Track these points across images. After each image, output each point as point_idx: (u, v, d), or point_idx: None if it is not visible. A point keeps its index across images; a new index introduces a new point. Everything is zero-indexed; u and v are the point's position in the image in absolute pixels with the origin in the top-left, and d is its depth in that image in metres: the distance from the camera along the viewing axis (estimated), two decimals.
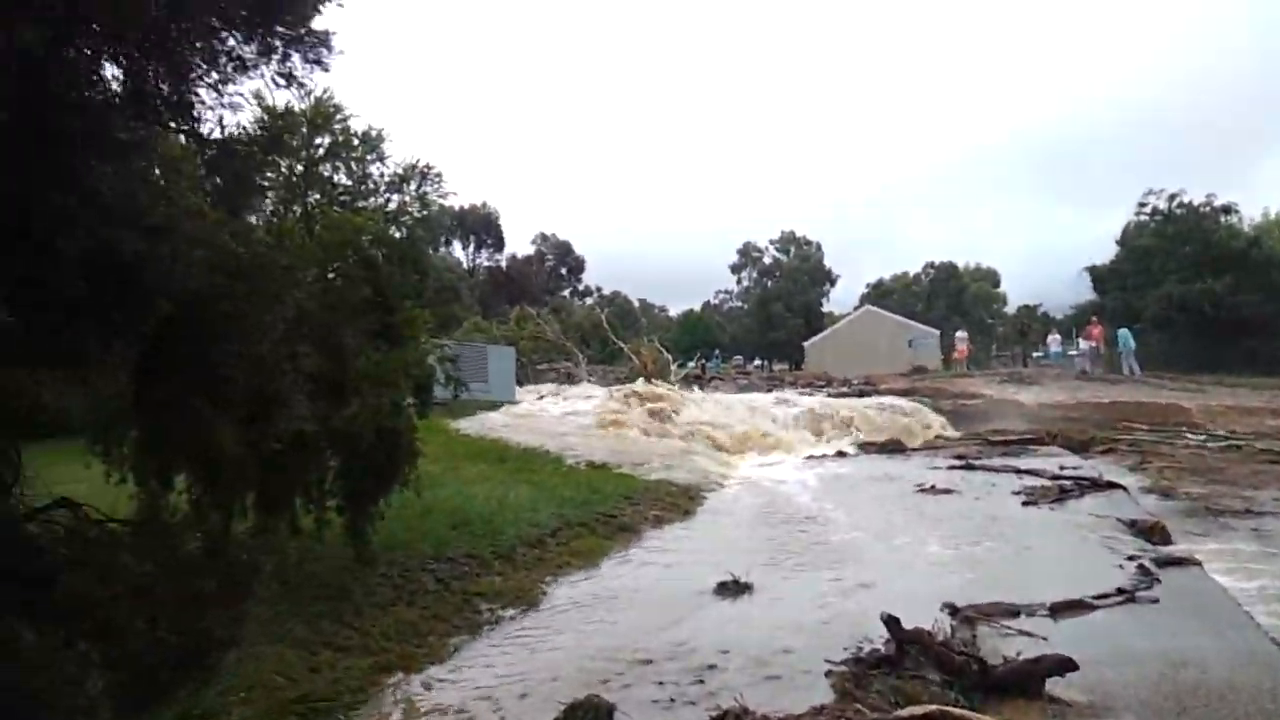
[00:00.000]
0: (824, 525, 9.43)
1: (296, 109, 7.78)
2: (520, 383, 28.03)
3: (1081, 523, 8.66)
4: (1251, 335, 34.67)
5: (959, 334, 42.57)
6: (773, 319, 71.30)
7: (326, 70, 4.24)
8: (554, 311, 43.55)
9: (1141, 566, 6.55)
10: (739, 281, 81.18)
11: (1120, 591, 6.01)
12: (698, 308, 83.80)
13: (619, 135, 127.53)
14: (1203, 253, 38.54)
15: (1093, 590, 6.05)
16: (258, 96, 7.60)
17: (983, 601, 5.93)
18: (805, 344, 53.38)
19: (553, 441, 15.14)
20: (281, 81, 4.19)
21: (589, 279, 79.15)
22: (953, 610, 5.74)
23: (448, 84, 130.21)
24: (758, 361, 70.28)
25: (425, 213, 7.99)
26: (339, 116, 7.86)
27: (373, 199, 8.15)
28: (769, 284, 77.56)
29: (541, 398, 23.58)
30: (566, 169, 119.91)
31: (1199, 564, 6.76)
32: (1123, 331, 31.46)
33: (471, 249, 72.10)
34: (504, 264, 71.07)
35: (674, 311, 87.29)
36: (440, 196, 8.16)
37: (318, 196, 7.67)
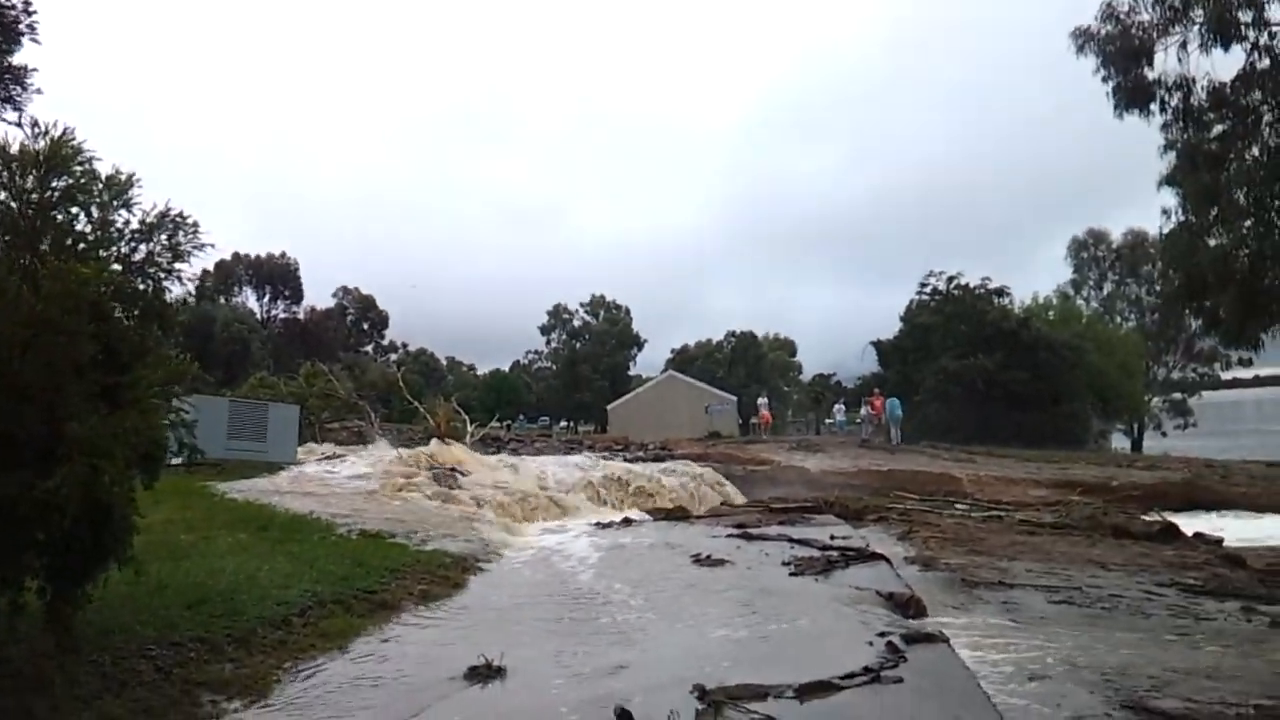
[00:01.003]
0: (595, 600, 9.21)
1: (30, 148, 7.20)
2: (312, 440, 26.87)
3: (842, 595, 8.75)
4: (1020, 409, 37.16)
5: (761, 400, 43.97)
6: (579, 381, 71.73)
7: (18, 109, 3.78)
8: (347, 368, 42.15)
9: (891, 644, 6.60)
10: (549, 343, 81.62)
11: (867, 671, 6.01)
12: (506, 367, 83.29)
13: (430, 191, 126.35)
14: (977, 331, 41.17)
15: (842, 669, 6.03)
16: None
17: (734, 683, 5.82)
18: (609, 407, 53.66)
19: (328, 507, 14.40)
20: None
21: (394, 335, 77.60)
22: (701, 693, 5.60)
23: (250, 128, 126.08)
24: (564, 423, 70.30)
25: (176, 264, 7.32)
26: (79, 158, 7.22)
27: (115, 248, 7.43)
28: (578, 346, 78.12)
29: (327, 458, 22.56)
30: (371, 223, 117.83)
31: (946, 640, 6.88)
32: (891, 400, 33.27)
33: (267, 299, 69.28)
34: (301, 316, 68.49)
35: (483, 370, 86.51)
36: (195, 247, 7.49)
37: (48, 245, 6.99)
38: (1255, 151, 11.04)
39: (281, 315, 69.30)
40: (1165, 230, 11.91)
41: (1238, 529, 18.36)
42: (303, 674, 6.76)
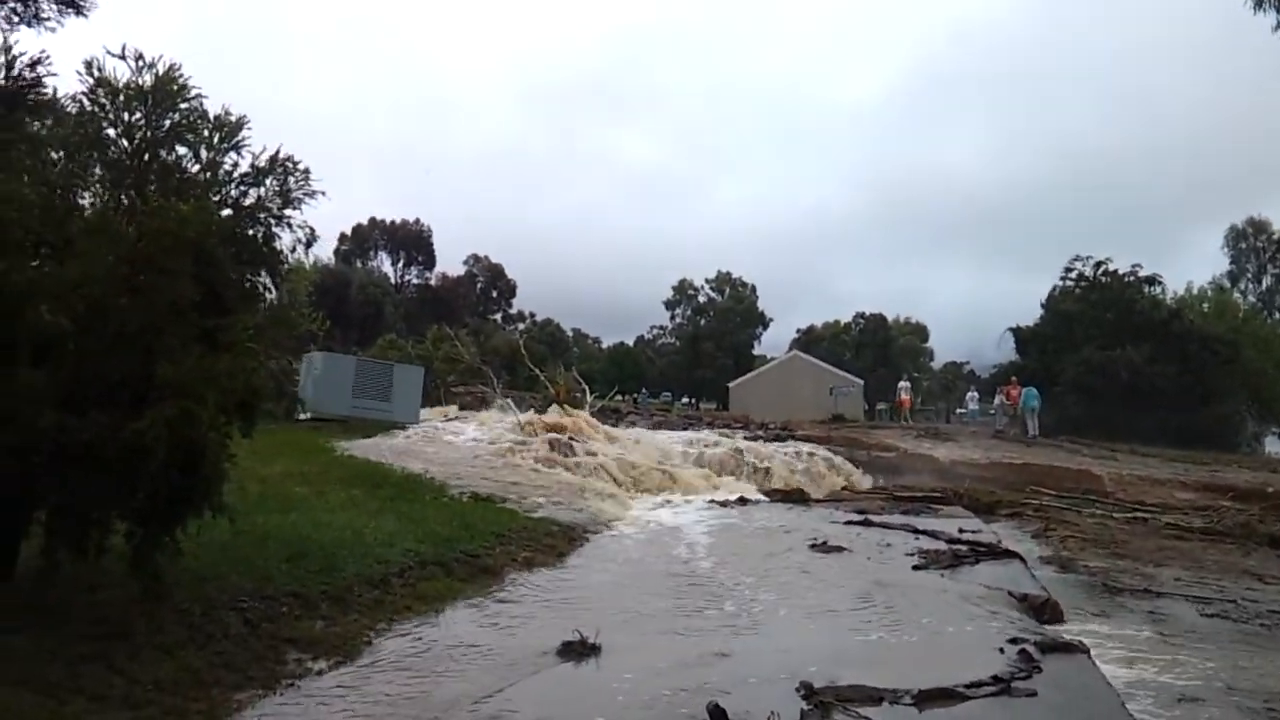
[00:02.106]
0: (702, 582, 8.74)
1: (136, 82, 7.07)
2: (436, 402, 27.16)
3: (970, 594, 8.07)
4: (1166, 406, 34.92)
5: (902, 384, 42.59)
6: (702, 357, 71.18)
7: (82, 14, 3.50)
8: (473, 334, 42.55)
9: (1024, 651, 5.94)
10: (673, 318, 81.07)
11: (996, 680, 5.39)
12: (630, 341, 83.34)
13: (562, 162, 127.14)
14: (1124, 321, 38.88)
15: (968, 676, 5.43)
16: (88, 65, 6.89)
17: (845, 682, 5.28)
18: (730, 385, 52.98)
19: (443, 469, 14.33)
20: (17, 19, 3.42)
21: (522, 305, 78.23)
22: (808, 692, 5.08)
23: (385, 95, 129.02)
24: (685, 399, 69.96)
25: (286, 211, 7.11)
26: (187, 94, 7.07)
27: (223, 191, 7.27)
28: (702, 322, 77.48)
29: (449, 420, 22.68)
30: (503, 193, 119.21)
31: (1086, 652, 6.18)
32: (1029, 389, 31.65)
33: (401, 265, 70.77)
34: (433, 282, 69.72)
35: (607, 343, 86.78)
36: (306, 193, 7.28)
37: (154, 184, 6.86)
38: None
39: (414, 281, 70.73)
40: None
41: None
42: (395, 636, 6.52)
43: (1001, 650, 6.04)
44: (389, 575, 7.74)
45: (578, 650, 6.01)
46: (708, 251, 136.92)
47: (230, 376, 5.85)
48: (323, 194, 7.54)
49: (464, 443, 17.73)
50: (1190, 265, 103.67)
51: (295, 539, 8.18)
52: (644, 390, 64.46)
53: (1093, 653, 6.25)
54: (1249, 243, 54.92)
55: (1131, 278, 41.44)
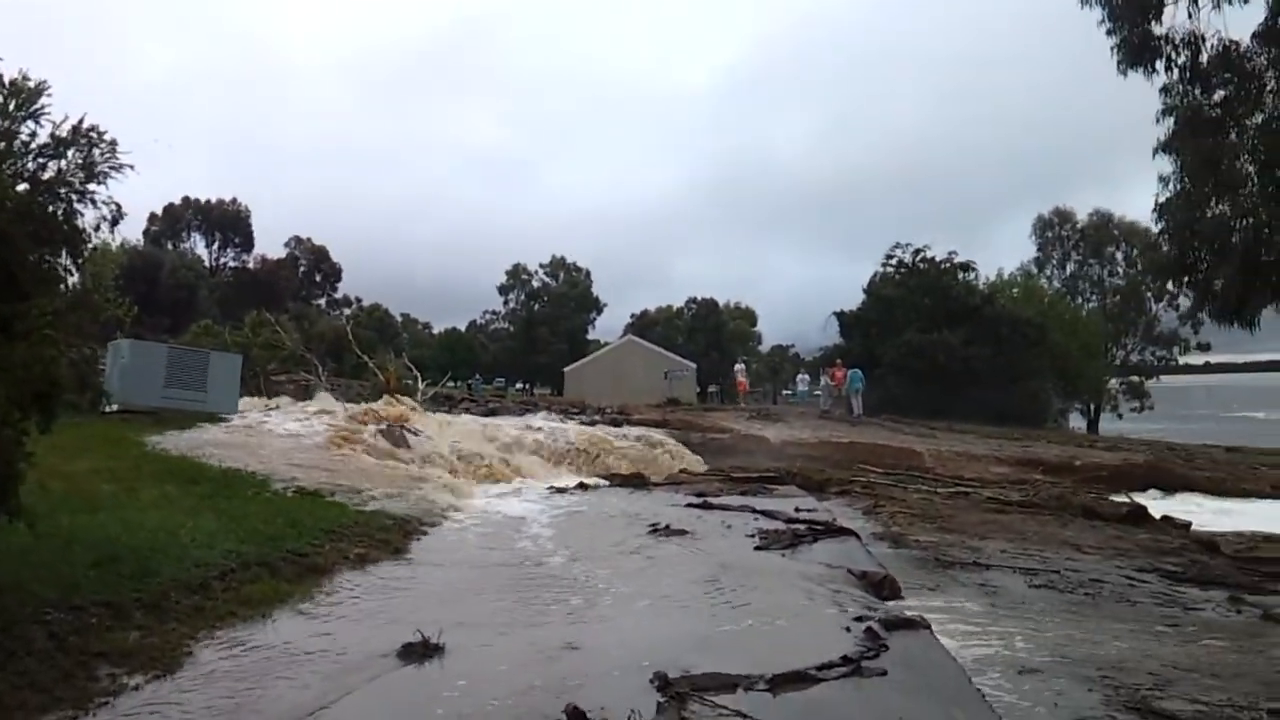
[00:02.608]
0: (546, 572, 8.54)
1: None
2: (256, 392, 25.91)
3: (812, 573, 8.16)
4: (981, 386, 36.88)
5: (738, 366, 43.36)
6: (537, 343, 70.91)
7: None
8: (294, 319, 40.91)
9: (870, 630, 6.01)
10: (506, 303, 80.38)
11: (846, 660, 5.41)
12: (463, 327, 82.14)
13: (394, 143, 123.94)
14: (941, 306, 40.78)
15: (818, 657, 5.45)
16: None
17: (699, 670, 5.20)
18: (566, 370, 52.86)
19: (265, 462, 13.60)
20: None
21: (349, 289, 75.84)
22: (663, 683, 4.96)
23: (209, 71, 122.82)
24: (520, 385, 69.46)
25: (90, 186, 6.49)
26: None
27: (19, 163, 6.59)
28: (536, 307, 77.13)
29: (271, 410, 21.64)
30: (330, 173, 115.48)
31: (928, 627, 6.30)
32: (854, 371, 32.91)
33: (216, 247, 67.43)
34: (252, 265, 66.71)
35: (439, 329, 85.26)
36: (112, 166, 6.65)
37: None
38: (1259, 119, 10.52)
39: (231, 264, 67.50)
40: (1161, 199, 11.36)
41: (1202, 512, 18.04)
42: (219, 645, 6.05)
43: (848, 629, 6.10)
44: (209, 579, 7.19)
45: (419, 651, 5.71)
46: (543, 236, 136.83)
47: (26, 367, 5.29)
48: (130, 168, 6.95)
49: (288, 434, 16.88)
50: (1001, 253, 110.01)
51: (104, 542, 7.52)
52: (478, 376, 63.64)
53: (934, 628, 6.38)
54: (1054, 231, 58.48)
55: (947, 264, 43.55)
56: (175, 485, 11.06)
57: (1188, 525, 14.75)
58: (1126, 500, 16.18)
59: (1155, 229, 12.76)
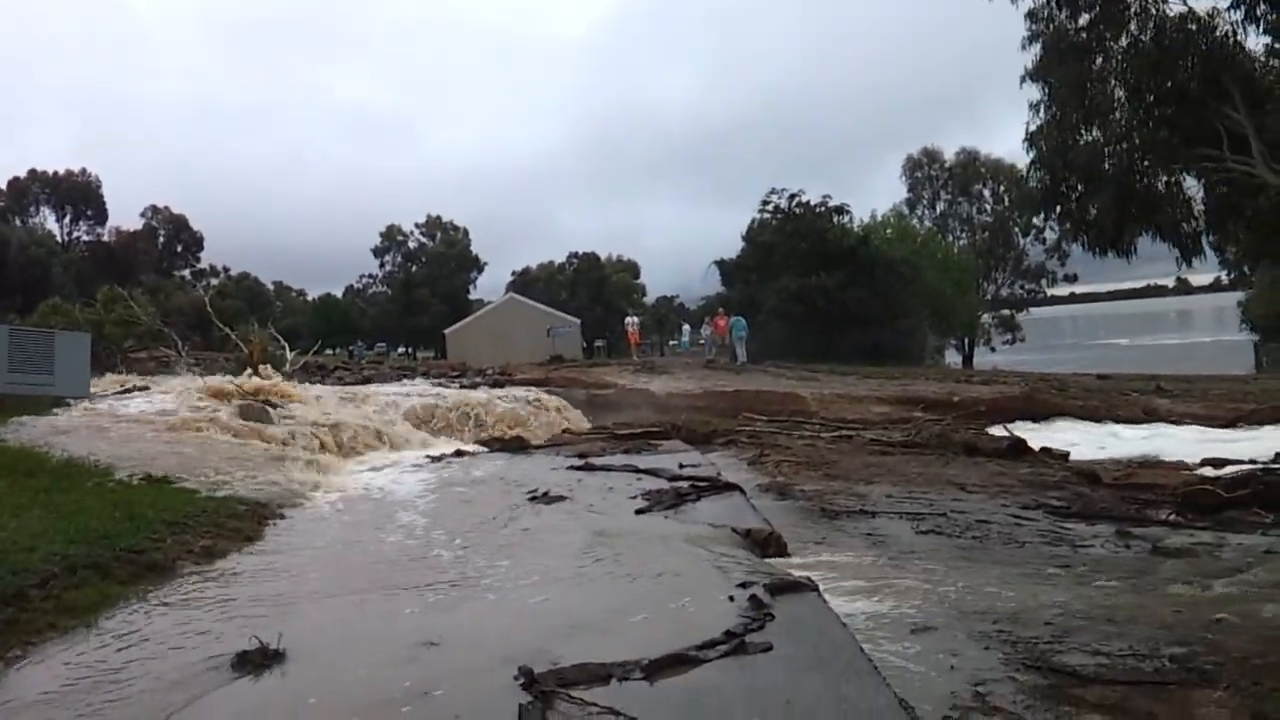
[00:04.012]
0: (411, 553, 7.91)
1: None
2: (112, 371, 24.47)
3: (695, 535, 7.75)
4: (859, 327, 37.38)
5: (629, 320, 43.05)
6: (416, 305, 69.46)
7: None
8: (150, 292, 38.86)
9: (754, 597, 5.58)
10: (382, 265, 78.47)
11: (729, 635, 4.98)
12: (339, 292, 79.93)
13: (258, 105, 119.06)
14: (817, 249, 41.07)
15: (699, 633, 5.01)
16: None
17: (570, 661, 4.69)
18: (446, 332, 51.71)
19: (115, 447, 12.59)
20: None
21: (215, 259, 72.78)
22: (528, 680, 4.42)
23: (61, 34, 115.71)
24: (402, 349, 68.05)
25: None
26: None
27: None
28: (414, 269, 75.46)
29: (125, 391, 20.30)
30: (191, 139, 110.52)
31: (816, 589, 5.92)
32: (736, 319, 32.96)
33: (68, 221, 63.70)
34: (106, 238, 63.28)
35: (314, 295, 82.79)
36: None
37: None
38: (1124, 42, 10.39)
39: (85, 238, 63.90)
40: (1031, 128, 11.22)
41: (1080, 443, 18.39)
42: (30, 665, 5.29)
43: (731, 598, 5.66)
44: (26, 588, 6.34)
45: (256, 660, 5.04)
46: (419, 195, 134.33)
47: None
48: None
49: (140, 416, 15.75)
50: (875, 195, 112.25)
51: None
52: (360, 343, 62.01)
53: (821, 588, 6.01)
54: (924, 172, 59.69)
55: (823, 208, 43.91)
56: (7, 480, 10.04)
57: (1066, 455, 14.95)
58: (1006, 434, 16.30)
59: (1026, 158, 12.72)
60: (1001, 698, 4.49)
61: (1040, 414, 22.48)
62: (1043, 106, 10.99)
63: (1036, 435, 17.84)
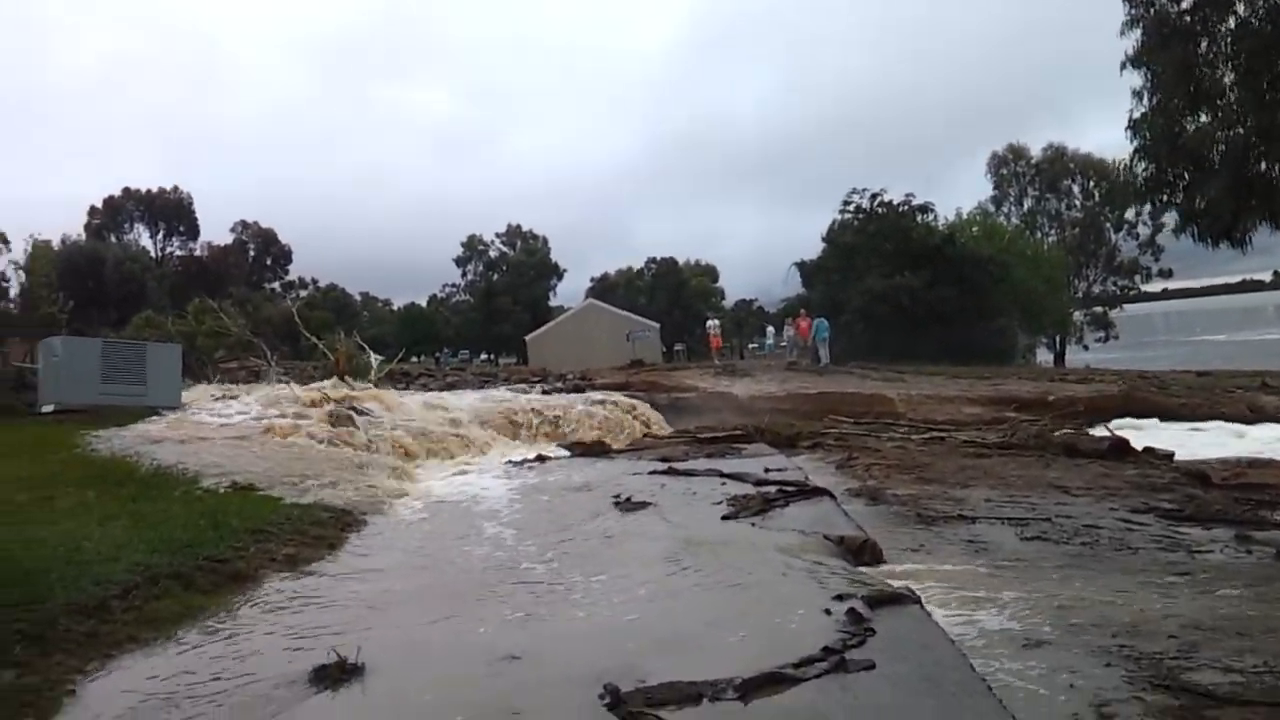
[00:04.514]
0: (492, 562, 7.74)
1: None
2: (205, 381, 25.01)
3: (785, 543, 7.43)
4: (946, 326, 36.53)
5: (711, 323, 42.77)
6: (497, 313, 70.03)
7: None
8: (239, 304, 39.70)
9: (853, 610, 5.27)
10: (464, 275, 79.46)
11: (828, 653, 4.68)
12: (423, 302, 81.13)
13: (345, 120, 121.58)
14: (901, 249, 40.27)
15: (795, 650, 4.72)
16: None
17: (658, 678, 4.44)
18: (528, 339, 51.96)
19: (203, 456, 12.74)
20: None
21: (304, 271, 74.43)
22: (614, 700, 4.19)
23: (153, 59, 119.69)
24: (484, 356, 68.75)
25: None
26: None
27: None
28: (495, 278, 76.23)
29: (217, 400, 20.66)
30: (281, 155, 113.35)
31: (918, 600, 5.58)
32: (819, 321, 32.39)
33: (161, 237, 65.59)
34: (199, 253, 65.00)
35: (399, 305, 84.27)
36: None
37: None
38: (1231, 23, 9.77)
39: (178, 253, 65.74)
40: (1135, 115, 10.61)
41: (1179, 438, 17.60)
42: (108, 678, 5.21)
43: (828, 611, 5.36)
44: (108, 598, 6.30)
45: (333, 675, 4.90)
46: (499, 205, 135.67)
47: None
48: None
49: (229, 424, 16.01)
50: (959, 193, 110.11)
51: None
52: (445, 350, 62.75)
53: (923, 600, 5.67)
54: (1010, 168, 58.25)
55: (905, 207, 43.06)
56: (98, 490, 10.19)
57: (1170, 455, 14.25)
58: (1107, 434, 15.61)
59: (1129, 147, 12.05)
60: (1128, 719, 4.13)
61: (1139, 412, 21.61)
62: (1145, 93, 10.40)
63: (1138, 436, 17.08)
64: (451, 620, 6.01)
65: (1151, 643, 5.04)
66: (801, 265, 46.76)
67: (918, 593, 5.80)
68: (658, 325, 51.31)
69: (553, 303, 76.18)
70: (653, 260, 77.82)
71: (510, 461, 14.67)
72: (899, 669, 4.50)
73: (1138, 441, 15.31)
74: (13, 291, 39.36)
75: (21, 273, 41.15)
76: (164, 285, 55.34)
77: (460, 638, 5.61)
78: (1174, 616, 5.53)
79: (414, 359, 48.93)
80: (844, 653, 4.67)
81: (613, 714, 4.08)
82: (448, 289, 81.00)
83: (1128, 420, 20.51)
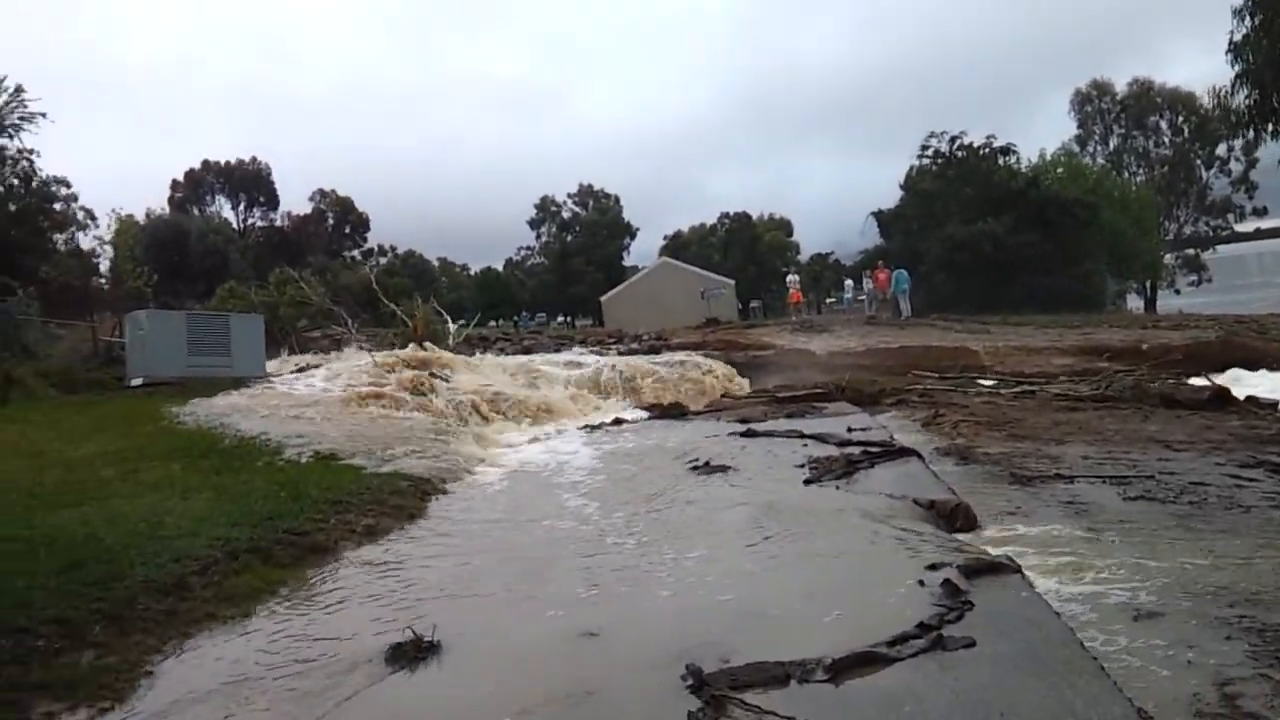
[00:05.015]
0: (568, 532, 7.57)
1: None
2: (288, 351, 25.38)
3: (872, 508, 7.14)
4: (1032, 273, 35.34)
5: (791, 278, 42.11)
6: (572, 274, 69.97)
7: None
8: (318, 273, 40.16)
9: (948, 581, 4.98)
10: (539, 237, 79.36)
11: (924, 629, 4.41)
12: (499, 265, 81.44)
13: (417, 85, 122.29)
14: (983, 194, 39.03)
15: (888, 625, 4.47)
16: None
17: (742, 658, 4.22)
18: (602, 299, 51.81)
19: (286, 426, 12.85)
20: None
21: (382, 238, 75.02)
22: (697, 681, 3.98)
23: (227, 31, 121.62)
24: (561, 318, 68.88)
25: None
26: None
27: None
28: (568, 239, 76.08)
29: (300, 370, 20.90)
30: (355, 122, 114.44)
31: (1018, 569, 5.27)
32: (898, 272, 31.59)
33: (242, 208, 66.71)
34: (279, 223, 65.98)
35: (476, 269, 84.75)
36: (22, 117, 5.73)
37: None
38: None
39: (259, 224, 66.83)
40: (1235, 37, 9.88)
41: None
42: (185, 658, 5.17)
43: (922, 583, 5.08)
44: (187, 575, 6.28)
45: (410, 653, 4.78)
46: (571, 166, 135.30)
47: None
48: (42, 115, 5.99)
49: (311, 393, 16.11)
50: (1041, 133, 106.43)
51: (78, 541, 6.72)
52: (524, 313, 62.98)
53: (1023, 569, 5.35)
54: (1094, 106, 55.90)
55: (986, 150, 41.65)
56: (182, 462, 10.30)
57: (1275, 405, 13.54)
58: (1207, 383, 14.89)
59: (1230, 72, 11.23)
60: (1256, 700, 3.80)
61: (1240, 360, 20.62)
62: (1248, 12, 9.65)
63: (1239, 384, 16.29)
64: (528, 594, 5.85)
65: (1275, 613, 4.67)
66: (879, 215, 45.74)
67: (1017, 561, 5.48)
68: (732, 282, 50.74)
69: (626, 262, 75.86)
70: (725, 215, 76.89)
71: (588, 425, 14.56)
72: (1001, 647, 4.20)
73: (1239, 390, 14.61)
74: (103, 267, 40.38)
75: (109, 248, 42.22)
76: (247, 256, 56.29)
77: (538, 613, 5.44)
78: None
79: (491, 323, 49.10)
80: (941, 629, 4.40)
81: (695, 697, 3.87)
82: (522, 251, 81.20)
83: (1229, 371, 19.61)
